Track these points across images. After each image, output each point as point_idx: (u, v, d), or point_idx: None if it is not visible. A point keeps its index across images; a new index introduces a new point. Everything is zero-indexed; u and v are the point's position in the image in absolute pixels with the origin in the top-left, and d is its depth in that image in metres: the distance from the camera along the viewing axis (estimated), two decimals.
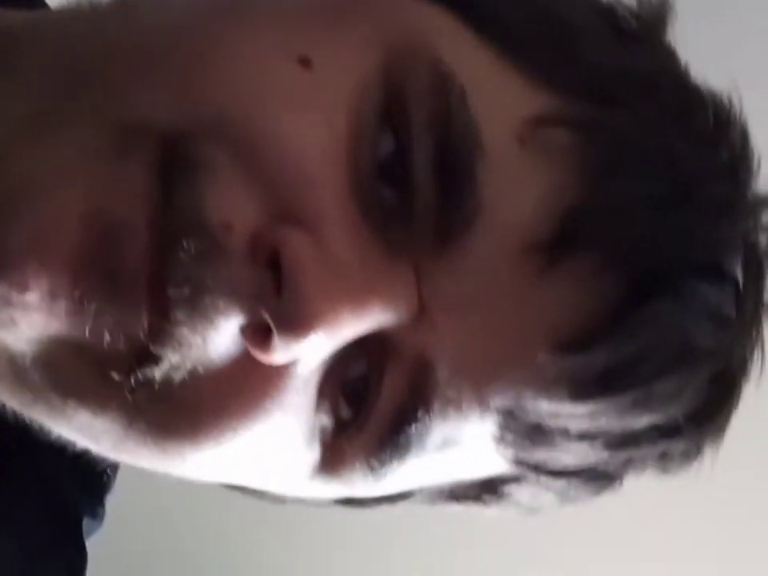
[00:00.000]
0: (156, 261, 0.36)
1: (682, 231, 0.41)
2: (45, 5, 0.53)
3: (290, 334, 0.37)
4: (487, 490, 0.47)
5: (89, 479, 0.52)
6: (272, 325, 0.37)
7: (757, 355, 0.47)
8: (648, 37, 0.46)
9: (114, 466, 0.53)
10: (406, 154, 0.39)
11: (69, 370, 0.38)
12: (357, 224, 0.39)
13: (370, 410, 0.41)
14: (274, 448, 0.41)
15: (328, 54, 0.39)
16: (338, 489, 0.45)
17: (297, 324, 0.37)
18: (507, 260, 0.40)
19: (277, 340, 0.37)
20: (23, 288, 0.36)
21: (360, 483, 0.44)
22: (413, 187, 0.39)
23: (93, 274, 0.36)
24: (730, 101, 0.46)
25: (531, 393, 0.40)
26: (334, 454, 0.42)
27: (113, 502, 0.55)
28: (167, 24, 0.41)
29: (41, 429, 0.43)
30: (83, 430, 0.40)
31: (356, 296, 0.38)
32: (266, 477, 0.45)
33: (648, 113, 0.42)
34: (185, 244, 0.36)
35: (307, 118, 0.38)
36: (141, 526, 1.77)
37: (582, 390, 0.40)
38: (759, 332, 0.46)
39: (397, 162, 0.39)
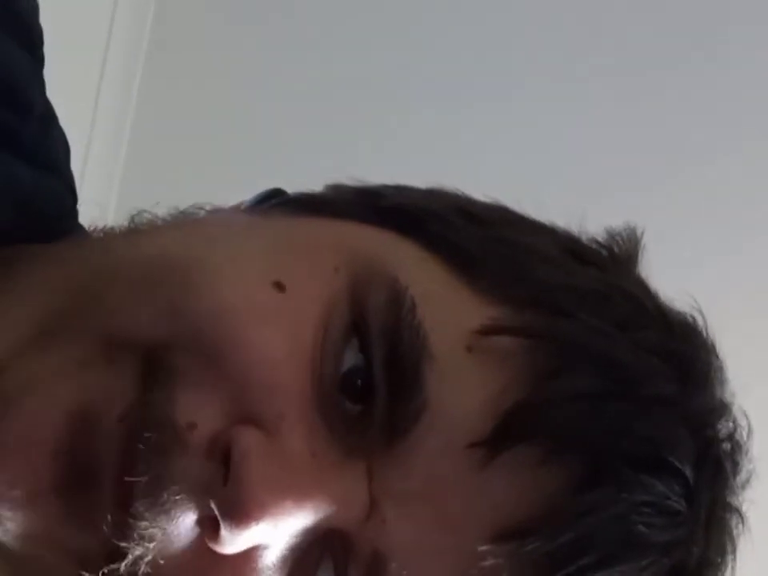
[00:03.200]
0: (122, 455, 0.40)
1: (619, 424, 0.42)
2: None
3: (232, 523, 0.40)
4: None
5: None
6: (218, 514, 0.40)
7: (729, 558, 0.47)
8: (609, 263, 0.50)
9: None
10: (368, 369, 0.43)
11: (49, 566, 0.42)
12: (315, 426, 0.42)
13: None
14: None
15: (299, 279, 0.44)
16: None
17: (238, 513, 0.39)
18: (451, 455, 0.42)
19: (222, 530, 0.40)
20: (10, 486, 0.40)
21: None
22: (373, 400, 0.43)
23: (69, 472, 0.40)
24: (700, 321, 0.49)
25: None
26: None
27: None
28: (160, 252, 0.46)
29: None
30: None
31: (301, 489, 0.41)
32: None
33: (593, 322, 0.45)
34: (147, 438, 0.40)
35: (276, 332, 0.43)
36: None
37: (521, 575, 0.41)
38: (724, 532, 0.46)
39: (359, 376, 0.43)
